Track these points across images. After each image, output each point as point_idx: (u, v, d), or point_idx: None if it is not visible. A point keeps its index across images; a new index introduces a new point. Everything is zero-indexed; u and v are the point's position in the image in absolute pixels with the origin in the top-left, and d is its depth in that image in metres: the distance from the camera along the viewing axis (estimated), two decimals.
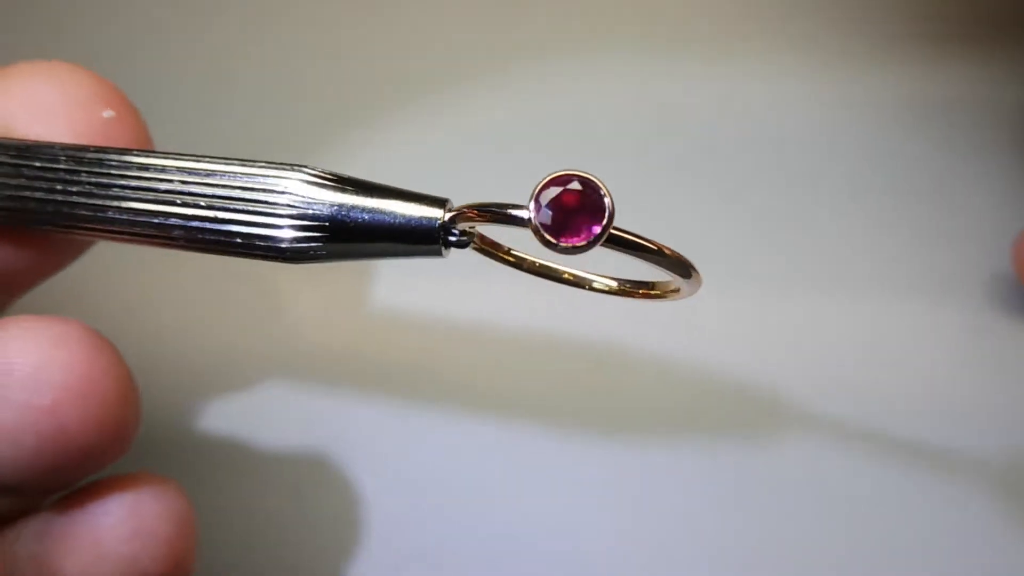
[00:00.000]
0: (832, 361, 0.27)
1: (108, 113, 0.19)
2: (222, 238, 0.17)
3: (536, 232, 0.15)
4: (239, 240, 0.17)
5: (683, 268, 0.16)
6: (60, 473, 0.17)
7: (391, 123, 0.31)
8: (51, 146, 0.18)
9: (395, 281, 0.29)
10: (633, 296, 0.18)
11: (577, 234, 0.15)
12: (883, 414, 0.26)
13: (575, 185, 0.15)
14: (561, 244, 0.15)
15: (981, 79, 0.30)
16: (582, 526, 0.26)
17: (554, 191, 0.15)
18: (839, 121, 0.30)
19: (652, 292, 0.18)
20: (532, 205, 0.15)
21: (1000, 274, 0.28)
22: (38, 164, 0.18)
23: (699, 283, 0.17)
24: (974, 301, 0.28)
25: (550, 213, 0.15)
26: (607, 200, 0.15)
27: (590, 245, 0.15)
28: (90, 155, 0.18)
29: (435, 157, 0.30)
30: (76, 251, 0.20)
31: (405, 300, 0.29)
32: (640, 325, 0.28)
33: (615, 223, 0.15)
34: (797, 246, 0.29)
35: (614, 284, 0.19)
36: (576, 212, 0.15)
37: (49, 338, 0.17)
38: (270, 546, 0.26)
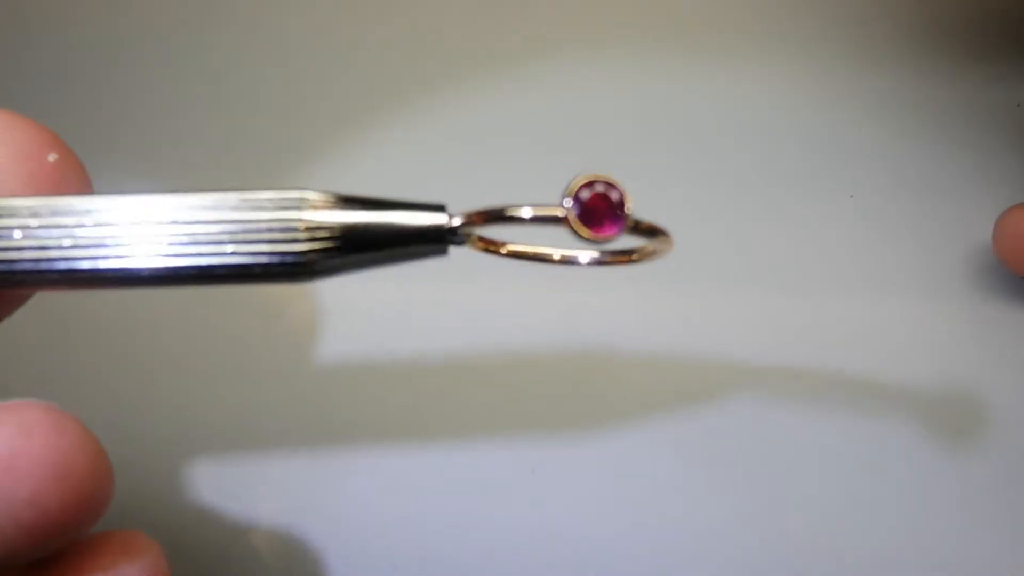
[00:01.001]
0: (817, 349, 0.30)
1: (52, 156, 0.19)
2: (239, 269, 0.18)
3: (574, 225, 0.18)
4: (257, 270, 0.18)
5: (661, 235, 0.20)
6: (37, 550, 0.18)
7: (391, 122, 0.31)
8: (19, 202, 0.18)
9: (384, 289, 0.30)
10: (620, 263, 0.22)
11: (601, 226, 0.18)
12: (864, 398, 0.29)
13: (599, 187, 0.18)
14: (598, 236, 0.18)
15: (974, 79, 0.32)
16: (577, 525, 0.28)
17: (586, 193, 0.18)
18: (835, 119, 0.32)
19: (634, 257, 0.22)
20: (570, 203, 0.18)
21: (985, 261, 0.30)
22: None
23: (670, 246, 0.21)
24: (957, 286, 0.30)
25: (582, 211, 0.18)
26: (627, 198, 0.18)
27: (617, 235, 0.18)
28: (75, 204, 0.18)
29: (435, 157, 0.31)
30: (20, 300, 0.20)
31: (393, 310, 0.30)
32: (620, 319, 0.30)
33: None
34: (786, 241, 0.31)
35: (597, 255, 0.22)
36: (599, 209, 0.18)
37: (17, 427, 0.17)
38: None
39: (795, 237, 0.31)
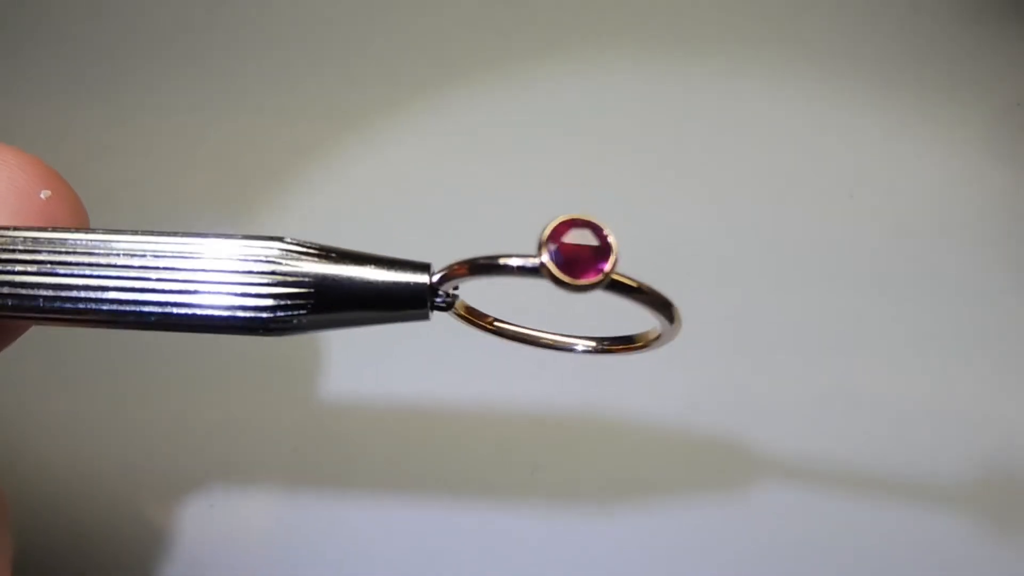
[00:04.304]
0: (815, 409, 0.28)
1: (45, 193, 0.19)
2: (203, 319, 0.17)
3: (549, 274, 0.16)
4: (221, 318, 0.17)
5: (668, 312, 0.18)
6: None
7: (390, 123, 0.31)
8: (8, 228, 0.17)
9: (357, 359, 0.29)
10: (615, 352, 0.19)
11: (586, 273, 0.16)
12: (868, 458, 0.27)
13: (580, 229, 0.16)
14: (579, 282, 0.15)
15: (974, 78, 0.32)
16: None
17: (559, 234, 0.16)
18: (836, 119, 0.31)
19: (634, 346, 0.19)
20: (544, 250, 0.16)
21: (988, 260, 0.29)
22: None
23: (679, 326, 0.18)
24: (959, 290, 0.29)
25: (561, 256, 0.16)
26: (611, 239, 0.16)
27: (601, 282, 0.16)
28: (50, 236, 0.17)
29: (434, 158, 0.31)
30: (14, 333, 0.19)
31: (370, 377, 0.29)
32: (608, 387, 0.28)
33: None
34: (788, 265, 0.30)
35: (594, 344, 0.19)
36: (581, 255, 0.16)
37: None
38: None
39: (789, 258, 0.30)
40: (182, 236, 0.17)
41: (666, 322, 0.18)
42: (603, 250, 0.16)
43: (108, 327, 0.17)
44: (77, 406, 0.28)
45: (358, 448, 0.28)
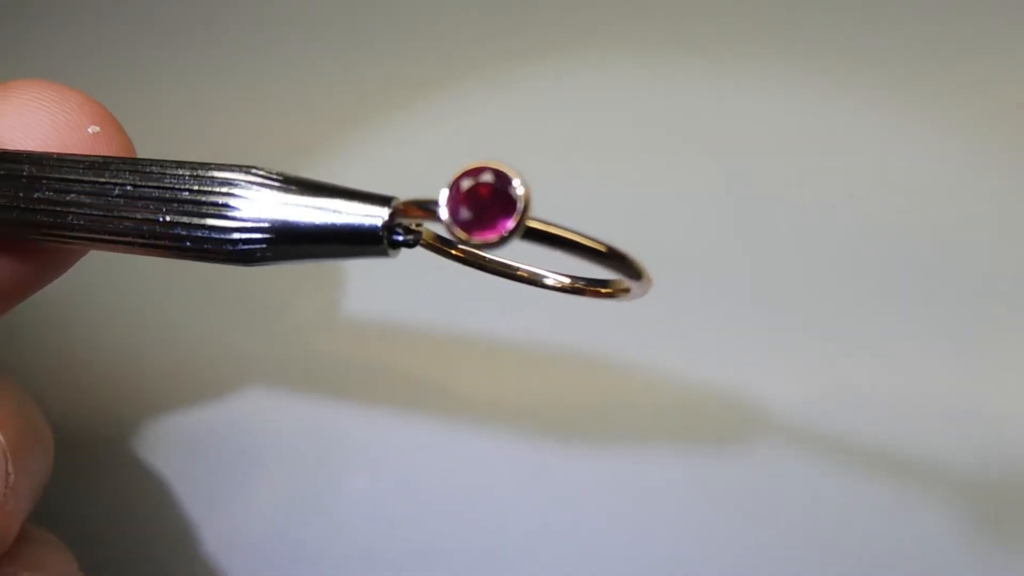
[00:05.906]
0: (821, 370, 0.27)
1: (93, 128, 0.19)
2: (172, 241, 0.17)
3: (448, 227, 0.14)
4: (188, 244, 0.17)
5: (626, 267, 0.15)
6: None
7: (390, 123, 0.31)
8: (18, 154, 0.18)
9: (387, 284, 0.29)
10: (584, 294, 0.18)
11: (491, 228, 0.14)
12: (872, 423, 0.26)
13: (487, 177, 0.14)
14: (474, 239, 0.14)
15: (973, 79, 0.29)
16: (572, 533, 0.26)
17: (467, 184, 0.14)
18: (842, 123, 0.29)
19: (603, 291, 0.17)
20: (443, 199, 0.14)
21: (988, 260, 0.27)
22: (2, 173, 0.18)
23: (649, 284, 0.16)
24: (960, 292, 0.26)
25: (464, 207, 0.14)
26: (519, 192, 0.14)
27: (503, 240, 0.14)
28: (52, 162, 0.18)
29: (435, 157, 0.30)
30: (65, 261, 0.20)
31: (396, 305, 0.29)
32: (627, 331, 0.27)
33: (535, 216, 0.14)
34: (796, 254, 0.28)
35: (566, 281, 0.18)
36: (490, 206, 0.14)
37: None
38: (266, 548, 0.27)
39: (797, 248, 0.28)
40: (155, 163, 0.17)
41: (638, 282, 0.16)
42: (507, 202, 0.14)
43: (95, 247, 0.18)
44: (77, 396, 0.30)
45: (358, 440, 0.28)
